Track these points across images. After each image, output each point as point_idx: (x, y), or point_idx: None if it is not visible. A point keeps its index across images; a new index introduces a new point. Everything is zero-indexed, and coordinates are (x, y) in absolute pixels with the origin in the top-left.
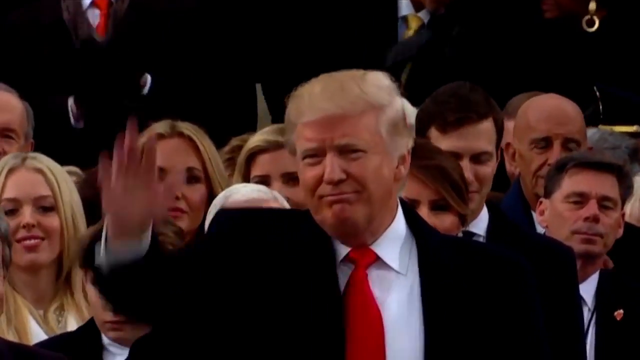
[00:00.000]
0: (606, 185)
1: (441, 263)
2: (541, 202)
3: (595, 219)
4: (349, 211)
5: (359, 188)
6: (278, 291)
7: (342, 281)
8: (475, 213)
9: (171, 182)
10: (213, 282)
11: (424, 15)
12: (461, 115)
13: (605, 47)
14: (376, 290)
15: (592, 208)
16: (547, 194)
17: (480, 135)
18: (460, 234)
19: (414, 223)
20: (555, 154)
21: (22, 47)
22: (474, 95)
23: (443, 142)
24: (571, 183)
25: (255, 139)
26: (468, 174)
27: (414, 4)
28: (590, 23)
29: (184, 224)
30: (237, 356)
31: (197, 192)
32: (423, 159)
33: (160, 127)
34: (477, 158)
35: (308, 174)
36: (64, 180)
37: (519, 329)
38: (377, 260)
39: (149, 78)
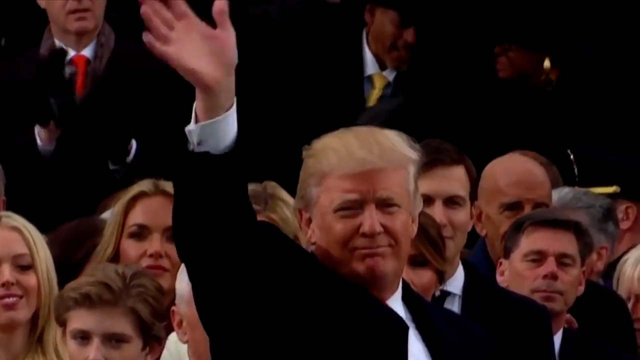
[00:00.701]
0: (564, 243)
1: (430, 316)
2: (501, 263)
3: (554, 277)
4: (382, 265)
5: (393, 242)
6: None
7: None
8: (451, 269)
9: None
10: (288, 284)
11: (388, 74)
12: (432, 157)
13: (566, 105)
14: None
15: (550, 265)
16: (506, 254)
17: (452, 178)
18: (437, 292)
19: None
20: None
21: None
22: (445, 145)
23: None
24: (529, 242)
25: None
26: (441, 217)
27: (379, 63)
28: (548, 82)
29: (166, 282)
30: None
31: None
32: None
33: (143, 185)
34: (450, 201)
35: (341, 226)
36: (39, 239)
37: None
38: None
39: (134, 144)
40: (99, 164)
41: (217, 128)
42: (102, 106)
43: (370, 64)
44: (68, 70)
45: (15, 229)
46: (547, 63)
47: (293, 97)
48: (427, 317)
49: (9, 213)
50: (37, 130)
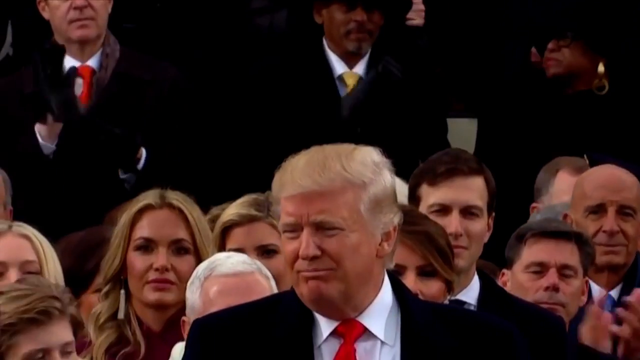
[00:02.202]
0: (565, 254)
1: (423, 333)
2: (503, 274)
3: (555, 288)
4: (324, 288)
5: (334, 265)
6: None
7: (331, 355)
8: (466, 280)
9: None
10: None
11: (359, 69)
12: (451, 166)
13: (617, 111)
14: None
15: (551, 277)
16: (509, 264)
17: (470, 188)
18: (447, 302)
19: (400, 293)
20: (610, 220)
21: (5, 115)
22: (466, 154)
23: (433, 195)
24: (530, 253)
25: (229, 213)
26: (457, 227)
27: (344, 61)
28: (601, 87)
29: (171, 296)
30: None
31: (186, 263)
32: (409, 224)
33: (149, 197)
34: (467, 211)
35: (287, 247)
36: (49, 248)
37: None
38: (364, 331)
39: (144, 152)
40: (108, 173)
41: None
42: (107, 115)
43: (337, 65)
44: (67, 68)
45: (25, 236)
46: (601, 67)
47: (277, 108)
48: (418, 336)
49: (21, 223)
50: (38, 128)
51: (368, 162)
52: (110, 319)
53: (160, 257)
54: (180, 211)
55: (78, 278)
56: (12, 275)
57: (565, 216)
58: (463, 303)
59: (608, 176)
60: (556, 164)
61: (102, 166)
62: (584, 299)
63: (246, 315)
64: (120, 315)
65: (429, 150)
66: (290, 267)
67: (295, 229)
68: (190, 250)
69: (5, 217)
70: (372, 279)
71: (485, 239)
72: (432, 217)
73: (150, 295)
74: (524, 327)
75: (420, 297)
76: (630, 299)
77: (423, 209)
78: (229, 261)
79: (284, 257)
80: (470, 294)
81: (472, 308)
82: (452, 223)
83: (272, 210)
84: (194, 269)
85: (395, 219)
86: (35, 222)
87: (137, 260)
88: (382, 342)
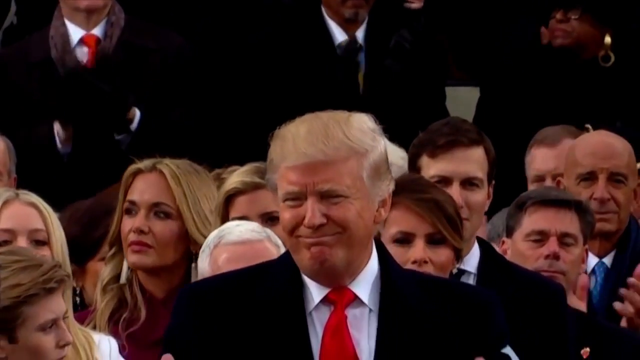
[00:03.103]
0: (565, 222)
1: (403, 299)
2: (504, 242)
3: (556, 256)
4: (328, 254)
5: (340, 230)
6: (255, 352)
7: (322, 322)
8: (466, 248)
9: None
10: None
11: (358, 36)
12: (451, 138)
13: (622, 82)
14: (353, 331)
15: (552, 245)
16: (509, 233)
17: (471, 160)
18: (455, 270)
19: (384, 260)
20: (600, 188)
21: (11, 84)
22: (466, 125)
23: (433, 167)
24: (531, 221)
25: (232, 181)
26: (458, 198)
27: (343, 28)
28: (606, 57)
29: (150, 259)
30: None
31: (165, 227)
32: (418, 192)
33: (143, 163)
34: (467, 183)
35: (288, 215)
36: (55, 217)
37: None
38: (355, 299)
39: (137, 113)
40: (104, 134)
41: None
42: (105, 78)
43: (337, 33)
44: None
45: (33, 205)
46: (607, 39)
47: (278, 75)
48: (397, 302)
49: (27, 191)
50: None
51: (366, 129)
52: (112, 282)
53: (138, 219)
54: (167, 176)
55: (85, 246)
56: (21, 243)
57: (558, 182)
58: (464, 272)
59: (599, 143)
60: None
61: (94, 124)
62: (584, 266)
63: (236, 282)
64: (122, 279)
65: (427, 118)
66: (290, 234)
67: (298, 197)
68: (172, 215)
69: (10, 185)
70: (368, 246)
71: (486, 208)
72: None
73: (129, 257)
74: (523, 295)
75: (430, 265)
76: (631, 280)
77: None
78: (237, 229)
79: (283, 224)
80: (470, 262)
81: (472, 276)
82: (453, 195)
83: (266, 179)
84: (175, 234)
85: (391, 185)
86: (36, 190)
87: (125, 224)
88: (370, 309)
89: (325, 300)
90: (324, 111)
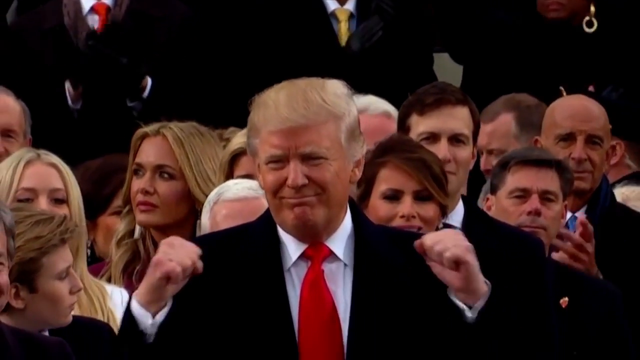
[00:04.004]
0: (547, 180)
1: (375, 254)
2: (488, 199)
3: (537, 213)
4: (310, 214)
5: (320, 191)
6: (235, 307)
7: (300, 277)
8: (452, 203)
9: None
10: (182, 319)
11: (349, 5)
12: (439, 97)
13: (604, 48)
14: (330, 284)
15: (534, 202)
16: (493, 190)
17: (457, 117)
18: (440, 225)
19: (357, 217)
20: (578, 149)
21: (26, 50)
22: (451, 87)
23: (422, 124)
24: (514, 180)
25: (237, 142)
26: (446, 153)
27: None
28: (590, 24)
29: (155, 217)
30: None
31: (170, 188)
32: (407, 152)
33: (149, 127)
34: (455, 139)
35: (271, 177)
36: (73, 177)
37: (441, 315)
38: (330, 254)
39: (149, 81)
40: (117, 100)
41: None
42: (121, 49)
43: (329, 2)
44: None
45: (53, 165)
46: (592, 8)
47: (276, 42)
48: (370, 257)
49: (47, 152)
50: (67, 86)
51: (340, 94)
52: (126, 237)
53: (144, 181)
54: (170, 139)
55: (96, 202)
56: (42, 201)
57: (536, 141)
58: (449, 226)
59: (578, 106)
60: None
61: (109, 93)
62: (564, 221)
63: (217, 242)
64: (136, 234)
65: (416, 82)
66: (273, 195)
67: (281, 159)
68: (176, 176)
69: (25, 145)
70: (344, 204)
71: (470, 167)
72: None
73: (137, 216)
74: (505, 248)
75: (417, 219)
76: (562, 230)
77: (413, 137)
78: (235, 187)
79: (266, 186)
80: (455, 217)
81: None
82: (441, 150)
83: (246, 144)
84: (179, 194)
85: (364, 147)
86: (48, 147)
87: (133, 184)
88: (345, 264)
89: (302, 256)
90: (300, 79)
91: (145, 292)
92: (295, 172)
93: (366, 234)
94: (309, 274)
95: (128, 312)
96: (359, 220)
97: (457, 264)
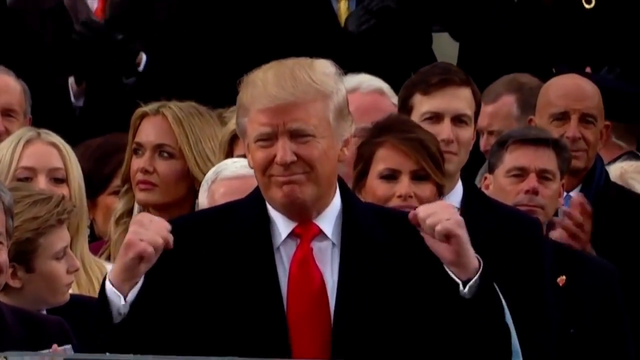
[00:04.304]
0: (544, 159)
1: (362, 232)
2: (486, 178)
3: (535, 192)
4: (299, 191)
5: (308, 169)
6: (224, 284)
7: (289, 256)
8: (451, 183)
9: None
10: (171, 296)
11: None
12: (444, 77)
13: (603, 25)
14: (319, 262)
15: (531, 181)
16: (491, 169)
17: (461, 97)
18: None
19: (346, 196)
20: (573, 127)
21: (23, 31)
22: (454, 67)
23: (426, 104)
24: (511, 158)
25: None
26: (449, 133)
27: None
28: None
29: (155, 196)
30: (197, 344)
31: (169, 167)
32: (404, 132)
33: (148, 107)
34: (458, 119)
35: (260, 155)
36: (73, 156)
37: (432, 291)
38: (319, 233)
39: (144, 56)
40: (114, 83)
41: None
42: (116, 26)
43: None
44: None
45: (53, 144)
46: None
47: (277, 20)
48: (358, 236)
49: (48, 131)
50: (71, 82)
51: (329, 72)
52: (125, 215)
53: (143, 160)
54: (170, 118)
55: (96, 181)
56: (41, 180)
57: (530, 121)
58: None
59: (572, 85)
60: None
61: (104, 70)
62: (561, 201)
63: (207, 219)
64: (135, 213)
65: (415, 62)
66: (262, 173)
67: (269, 137)
68: (175, 155)
69: (25, 125)
70: (333, 183)
71: (471, 146)
72: (424, 125)
73: (137, 195)
74: (503, 228)
75: (414, 199)
76: (565, 208)
77: (416, 117)
78: (233, 165)
79: (255, 164)
80: (454, 197)
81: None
82: (444, 130)
83: (237, 123)
84: (178, 173)
85: (353, 126)
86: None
87: (132, 163)
88: (333, 243)
89: (291, 235)
90: (288, 59)
91: (119, 272)
92: (283, 149)
93: (355, 213)
94: (297, 252)
95: (102, 293)
96: (348, 199)
97: (447, 237)
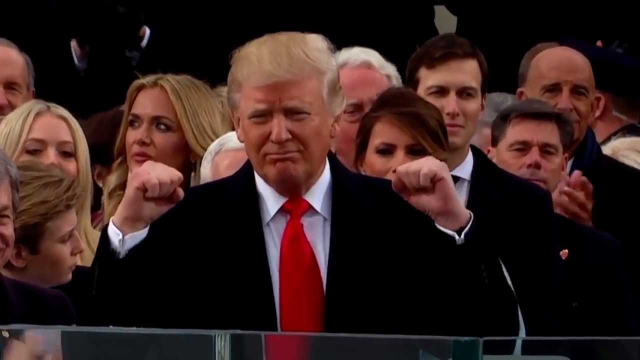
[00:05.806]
0: (547, 133)
1: (352, 203)
2: (489, 151)
3: (537, 165)
4: (292, 168)
5: (302, 147)
6: (214, 259)
7: (279, 232)
8: (461, 156)
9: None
10: (161, 269)
11: None
12: (447, 50)
13: None
14: (310, 237)
15: (534, 155)
16: (494, 142)
17: (466, 70)
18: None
19: (334, 169)
20: (564, 99)
21: (28, 1)
22: (459, 39)
23: (431, 78)
24: (514, 132)
25: None
26: (454, 107)
27: None
28: None
29: None
30: (188, 318)
31: (166, 139)
32: (400, 106)
33: (146, 79)
34: (463, 92)
35: (254, 132)
36: (81, 130)
37: (428, 253)
38: (309, 208)
39: (147, 30)
40: (116, 50)
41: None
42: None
43: None
44: None
45: (62, 118)
46: None
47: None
48: (349, 209)
49: (57, 105)
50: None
51: (322, 48)
52: (118, 188)
53: (140, 132)
54: (168, 91)
55: (111, 149)
56: (50, 153)
57: (521, 93)
58: (457, 178)
59: (563, 57)
60: (537, 50)
61: (108, 42)
62: (564, 174)
63: (197, 196)
64: None
65: (417, 36)
66: (256, 150)
67: (264, 114)
68: (173, 127)
69: (29, 98)
70: (324, 159)
71: (478, 118)
72: (430, 98)
73: (133, 167)
74: (514, 199)
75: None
76: (564, 187)
77: (421, 91)
78: (236, 138)
79: (247, 141)
80: (465, 169)
81: (466, 183)
82: (450, 103)
83: (228, 97)
84: (176, 145)
85: (344, 102)
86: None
87: (128, 135)
88: (324, 218)
89: (281, 211)
90: (280, 33)
91: (122, 208)
92: (279, 127)
93: (345, 187)
94: (288, 228)
95: (104, 233)
96: (337, 173)
97: (433, 182)
